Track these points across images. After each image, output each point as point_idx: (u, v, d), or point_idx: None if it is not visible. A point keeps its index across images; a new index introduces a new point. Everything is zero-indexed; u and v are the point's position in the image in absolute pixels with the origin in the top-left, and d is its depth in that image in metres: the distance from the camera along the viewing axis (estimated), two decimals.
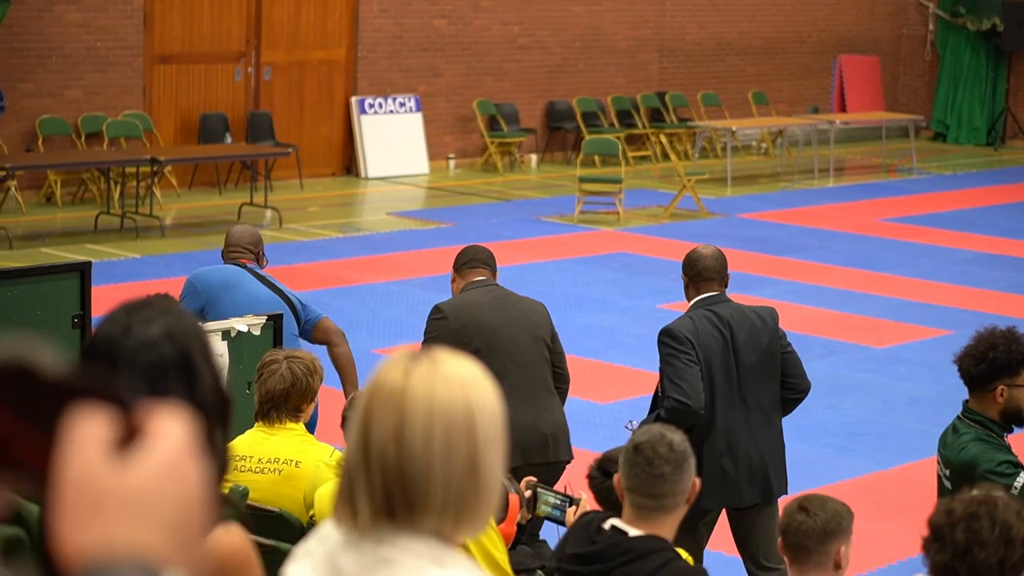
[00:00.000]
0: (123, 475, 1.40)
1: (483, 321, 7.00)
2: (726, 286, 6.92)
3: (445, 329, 6.93)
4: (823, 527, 4.58)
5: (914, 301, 14.62)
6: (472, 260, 7.30)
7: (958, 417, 5.97)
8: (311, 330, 7.78)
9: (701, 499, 6.56)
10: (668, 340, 6.66)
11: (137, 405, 1.44)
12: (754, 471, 6.70)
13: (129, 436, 1.42)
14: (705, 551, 6.85)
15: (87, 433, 1.41)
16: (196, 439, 1.45)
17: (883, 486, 9.60)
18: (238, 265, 7.82)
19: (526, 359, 7.02)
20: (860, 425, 10.80)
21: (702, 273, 6.78)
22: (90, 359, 2.58)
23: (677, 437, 4.32)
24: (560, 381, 7.19)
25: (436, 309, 7.07)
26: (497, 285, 7.25)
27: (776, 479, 6.81)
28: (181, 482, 1.42)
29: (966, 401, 5.96)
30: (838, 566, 4.59)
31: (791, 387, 6.83)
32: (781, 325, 6.96)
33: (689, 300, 6.88)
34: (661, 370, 6.71)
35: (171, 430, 1.44)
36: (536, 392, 7.03)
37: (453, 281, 7.33)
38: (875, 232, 18.27)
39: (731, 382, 6.70)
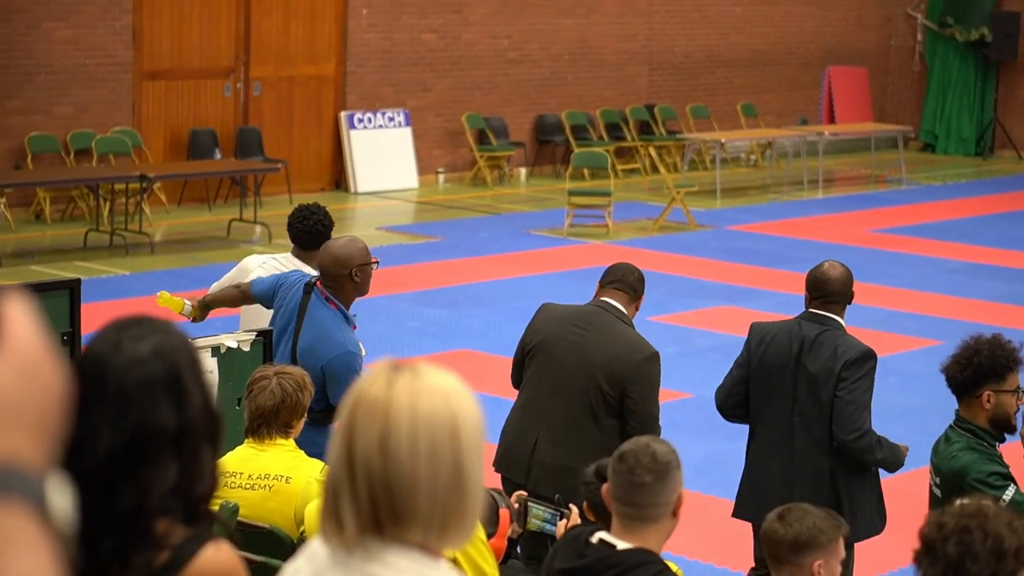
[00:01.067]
0: None
1: (545, 332, 7.00)
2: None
3: (529, 325, 7.18)
4: (794, 538, 4.57)
5: (903, 312, 14.64)
6: (613, 281, 7.10)
7: (950, 426, 5.97)
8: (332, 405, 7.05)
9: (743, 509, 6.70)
10: (748, 337, 6.89)
11: None
12: (773, 494, 6.40)
13: None
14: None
15: None
16: (44, 330, 1.46)
17: None
18: (306, 292, 7.41)
19: (565, 386, 6.83)
20: None
21: (828, 297, 6.73)
22: (80, 376, 2.58)
23: (662, 448, 4.29)
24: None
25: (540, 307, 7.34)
26: (606, 311, 6.97)
27: None
28: (41, 379, 1.43)
29: (958, 410, 5.97)
30: None
31: (832, 433, 6.60)
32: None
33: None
34: None
35: (22, 324, 1.44)
36: (558, 421, 6.81)
37: (596, 294, 7.22)
38: (864, 243, 18.28)
39: (784, 401, 6.66)
